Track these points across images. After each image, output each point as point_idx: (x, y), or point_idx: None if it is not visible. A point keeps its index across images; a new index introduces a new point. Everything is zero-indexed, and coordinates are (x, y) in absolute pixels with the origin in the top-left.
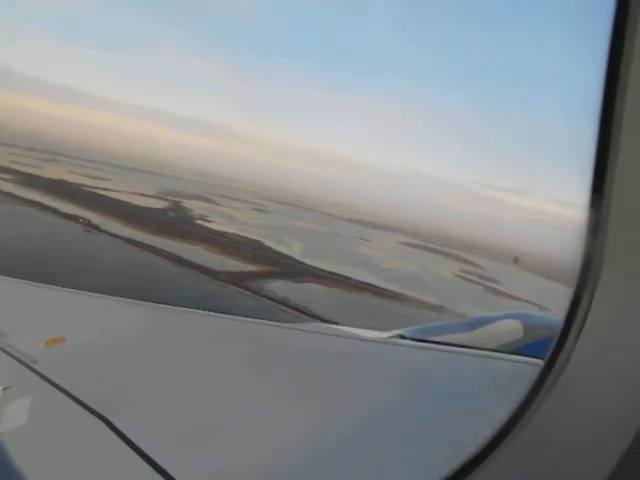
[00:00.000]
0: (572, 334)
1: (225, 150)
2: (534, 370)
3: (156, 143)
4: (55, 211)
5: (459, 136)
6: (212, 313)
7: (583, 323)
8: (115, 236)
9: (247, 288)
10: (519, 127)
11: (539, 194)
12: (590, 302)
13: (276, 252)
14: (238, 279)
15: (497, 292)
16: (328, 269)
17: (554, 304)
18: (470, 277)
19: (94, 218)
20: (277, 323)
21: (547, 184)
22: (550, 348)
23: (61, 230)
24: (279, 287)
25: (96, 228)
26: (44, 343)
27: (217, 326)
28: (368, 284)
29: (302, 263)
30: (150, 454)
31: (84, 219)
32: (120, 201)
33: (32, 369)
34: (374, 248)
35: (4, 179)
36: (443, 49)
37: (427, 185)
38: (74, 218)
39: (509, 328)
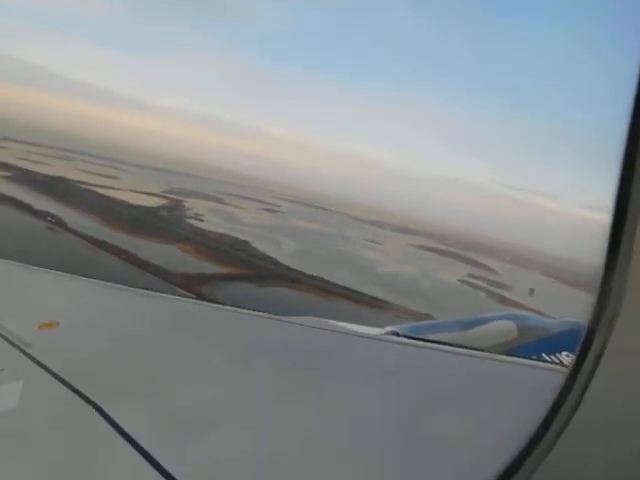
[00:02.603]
0: (598, 340)
1: (251, 150)
2: (528, 371)
3: (182, 142)
4: (27, 208)
5: (486, 138)
6: (206, 303)
7: (610, 331)
8: (79, 235)
9: (198, 292)
10: (550, 128)
11: (570, 197)
12: (618, 307)
13: (260, 254)
14: (194, 282)
15: (502, 299)
16: (313, 273)
17: (571, 313)
18: (476, 282)
19: (72, 216)
20: (270, 315)
21: (579, 187)
22: (574, 357)
23: (16, 227)
24: (239, 291)
25: (63, 226)
26: (37, 327)
27: (211, 315)
28: (350, 289)
29: (283, 266)
30: (139, 441)
31: (53, 217)
32: (112, 199)
33: (25, 352)
34: (380, 251)
35: None
36: (471, 50)
37: (453, 187)
38: (43, 216)
39: (503, 329)
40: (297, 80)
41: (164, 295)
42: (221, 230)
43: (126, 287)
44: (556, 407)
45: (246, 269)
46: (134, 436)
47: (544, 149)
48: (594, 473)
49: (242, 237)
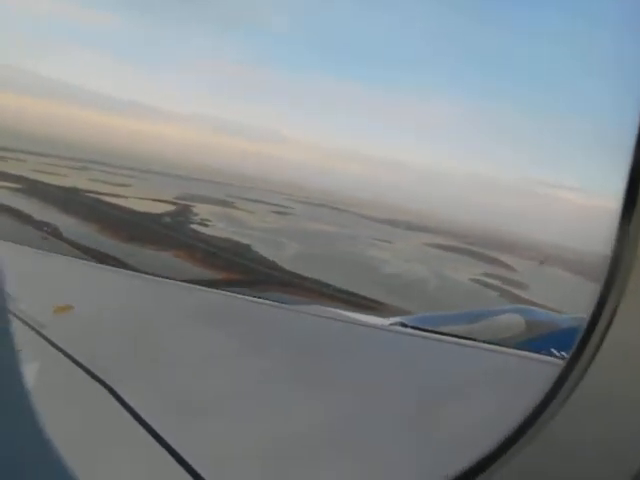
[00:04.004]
0: (597, 334)
1: (267, 152)
2: (535, 365)
3: (199, 148)
4: (27, 219)
5: (504, 130)
6: (217, 290)
7: (609, 324)
8: (72, 243)
9: None
10: (575, 121)
11: (598, 189)
12: (618, 302)
13: (259, 258)
14: None
15: (517, 299)
16: (312, 276)
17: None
18: (490, 281)
19: (71, 225)
20: (280, 304)
21: (606, 177)
22: (572, 348)
23: (11, 238)
24: None
25: (58, 236)
26: (52, 310)
27: (221, 303)
28: (347, 292)
29: (282, 270)
30: (151, 423)
31: (50, 227)
32: (118, 207)
33: (41, 335)
34: (391, 250)
35: (6, 187)
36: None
37: (475, 183)
38: (41, 226)
39: (511, 322)
40: (310, 81)
41: (177, 282)
42: (224, 235)
43: (139, 274)
44: (549, 397)
45: (240, 274)
46: (145, 417)
47: (567, 139)
48: (578, 464)
49: (245, 241)
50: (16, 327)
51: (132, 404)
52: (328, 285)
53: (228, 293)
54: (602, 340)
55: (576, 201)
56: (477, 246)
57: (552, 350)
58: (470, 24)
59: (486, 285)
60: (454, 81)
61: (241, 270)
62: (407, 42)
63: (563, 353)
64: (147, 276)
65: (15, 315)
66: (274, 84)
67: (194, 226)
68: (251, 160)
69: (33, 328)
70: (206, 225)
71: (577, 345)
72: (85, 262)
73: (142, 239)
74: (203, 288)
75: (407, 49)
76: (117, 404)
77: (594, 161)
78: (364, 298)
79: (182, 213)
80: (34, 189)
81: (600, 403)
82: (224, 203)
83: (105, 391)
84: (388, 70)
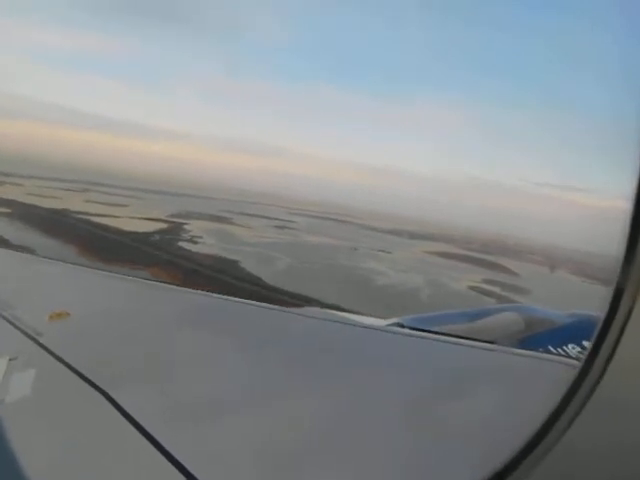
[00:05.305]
0: (612, 334)
1: (271, 167)
2: (534, 363)
3: (201, 165)
4: (4, 243)
5: (509, 135)
6: (213, 294)
7: (624, 324)
8: None
9: None
10: (575, 122)
11: (606, 190)
12: (633, 303)
13: (244, 274)
14: None
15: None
16: (299, 291)
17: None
18: (489, 288)
19: (50, 247)
20: (276, 307)
21: (614, 179)
22: (587, 349)
23: None
24: None
25: None
26: (49, 317)
27: (218, 307)
28: (330, 306)
29: (266, 286)
30: (147, 428)
31: (27, 250)
32: (106, 227)
33: (37, 342)
34: (388, 261)
35: None
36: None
37: (477, 188)
38: (18, 249)
39: (509, 321)
40: (309, 92)
41: (173, 287)
42: (212, 251)
43: (135, 278)
44: (567, 398)
45: (220, 291)
46: (143, 423)
47: (572, 139)
48: (602, 465)
49: (233, 257)
50: (12, 334)
51: (129, 410)
52: (311, 300)
53: (225, 296)
54: (617, 341)
55: (583, 202)
56: (478, 252)
57: (549, 347)
58: (471, 26)
59: (483, 292)
60: (454, 85)
61: (222, 287)
62: (404, 47)
63: (560, 350)
64: (142, 280)
65: (10, 322)
66: (272, 96)
67: (182, 243)
68: (254, 175)
69: (29, 336)
70: (196, 242)
71: (591, 347)
72: (80, 267)
73: (122, 259)
74: (198, 292)
75: (404, 54)
76: (114, 410)
77: (601, 161)
78: (348, 311)
79: (172, 231)
80: (21, 213)
81: (620, 407)
82: (220, 219)
83: (102, 397)
84: (385, 77)
